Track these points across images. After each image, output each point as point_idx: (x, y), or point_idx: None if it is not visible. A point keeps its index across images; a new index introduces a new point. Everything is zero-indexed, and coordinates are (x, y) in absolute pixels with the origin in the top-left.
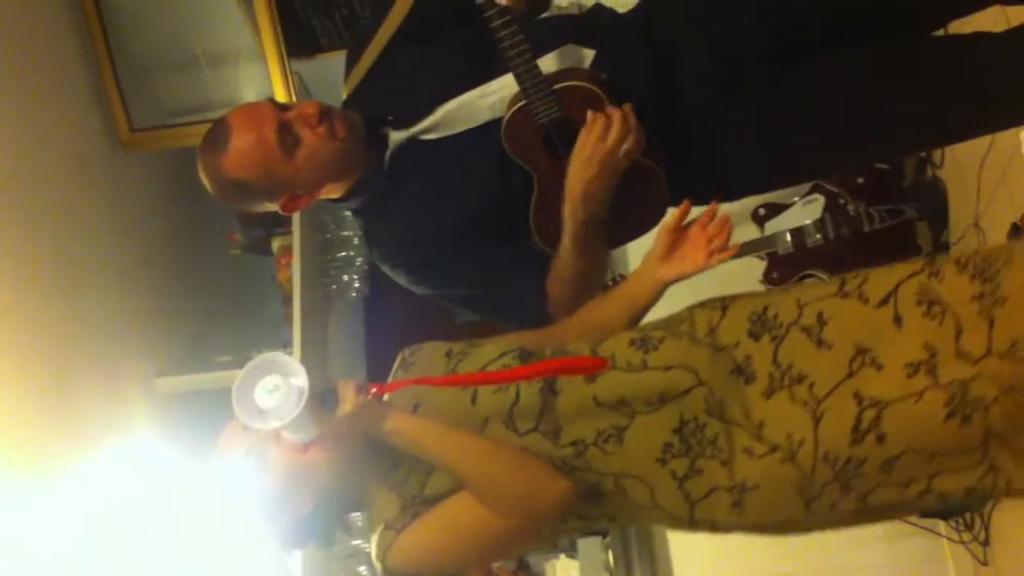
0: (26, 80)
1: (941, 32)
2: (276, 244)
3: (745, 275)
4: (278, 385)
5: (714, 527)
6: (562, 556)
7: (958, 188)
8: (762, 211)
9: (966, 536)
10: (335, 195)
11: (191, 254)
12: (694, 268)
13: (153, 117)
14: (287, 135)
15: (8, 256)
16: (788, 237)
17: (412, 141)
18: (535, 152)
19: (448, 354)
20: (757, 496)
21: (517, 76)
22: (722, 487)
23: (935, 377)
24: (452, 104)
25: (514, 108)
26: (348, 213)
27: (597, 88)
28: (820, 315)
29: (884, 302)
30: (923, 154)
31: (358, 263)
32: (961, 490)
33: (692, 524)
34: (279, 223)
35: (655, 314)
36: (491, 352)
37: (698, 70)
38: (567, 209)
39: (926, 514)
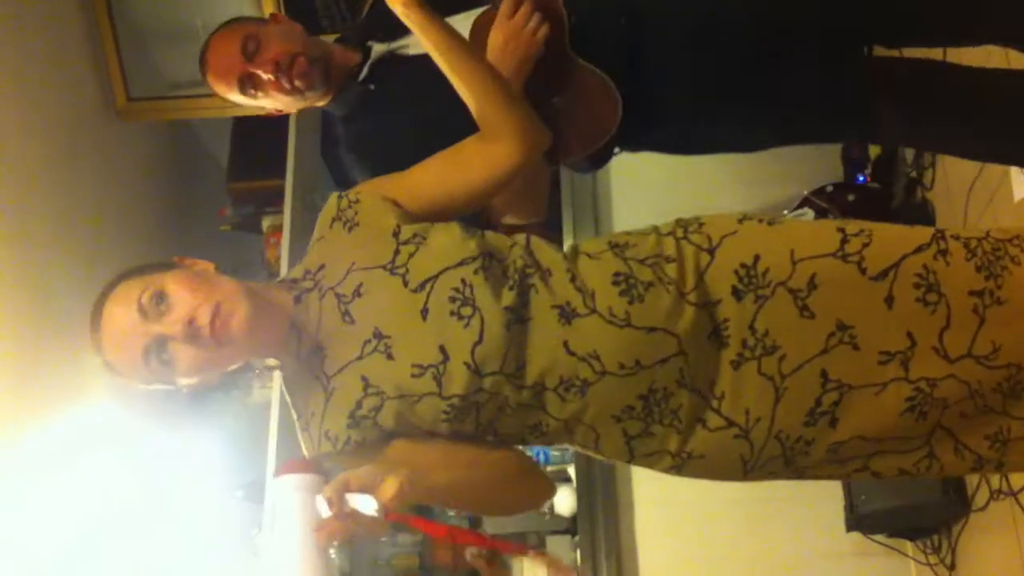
0: (24, 41)
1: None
2: (266, 223)
3: None
4: None
5: (650, 469)
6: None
7: (946, 211)
8: None
9: (933, 559)
10: (319, 103)
11: (180, 228)
12: None
13: (151, 88)
14: (248, 86)
15: None
16: None
17: (392, 54)
18: None
19: (395, 234)
20: (700, 463)
21: None
22: (668, 451)
23: (906, 370)
24: None
25: (482, 11)
26: None
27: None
28: (812, 278)
29: (883, 275)
30: (914, 175)
31: None
32: (894, 470)
33: (629, 463)
34: (270, 202)
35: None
36: (446, 249)
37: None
38: None
39: (895, 533)
